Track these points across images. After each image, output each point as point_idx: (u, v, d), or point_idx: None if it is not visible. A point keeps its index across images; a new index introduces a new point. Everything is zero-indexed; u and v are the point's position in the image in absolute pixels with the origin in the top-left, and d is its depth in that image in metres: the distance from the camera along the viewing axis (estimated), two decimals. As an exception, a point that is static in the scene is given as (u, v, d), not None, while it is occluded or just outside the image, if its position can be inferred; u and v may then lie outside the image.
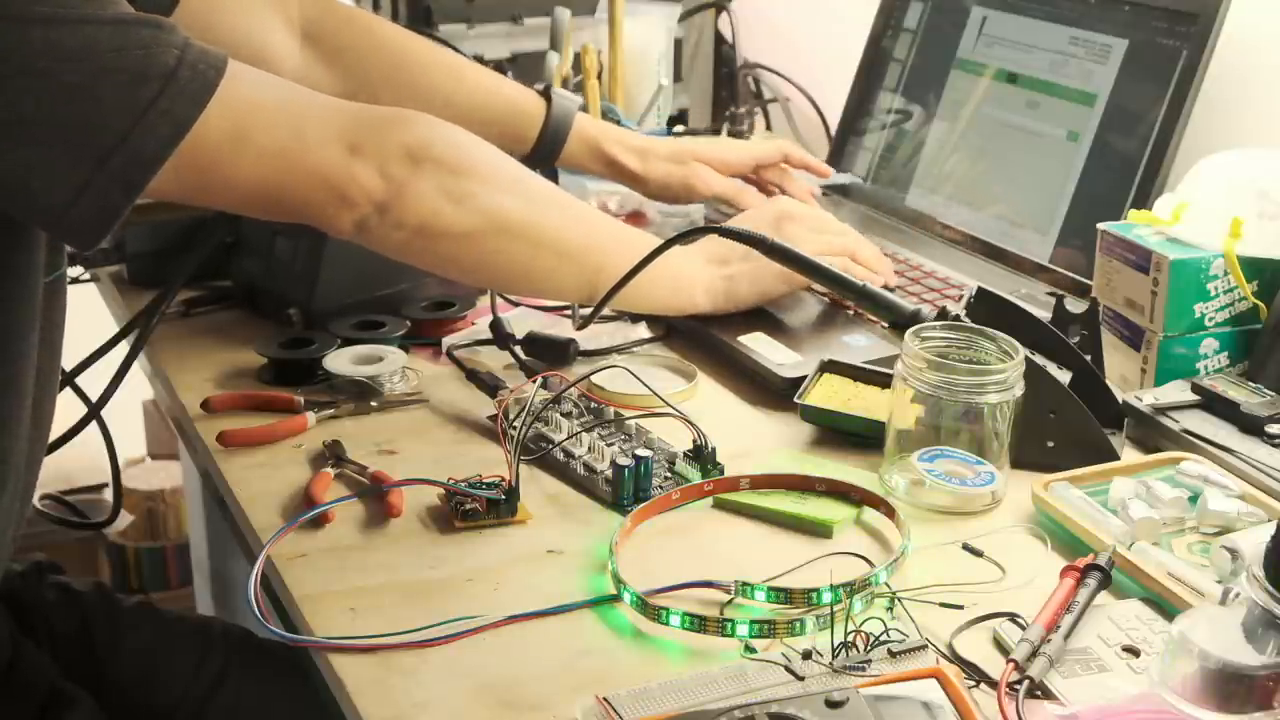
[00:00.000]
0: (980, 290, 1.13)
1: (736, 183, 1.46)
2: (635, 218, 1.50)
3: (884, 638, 0.82)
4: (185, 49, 0.90)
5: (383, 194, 1.00)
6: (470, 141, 1.07)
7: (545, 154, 1.38)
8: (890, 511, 0.97)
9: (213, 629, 1.22)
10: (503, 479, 0.99)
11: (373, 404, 1.14)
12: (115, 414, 1.18)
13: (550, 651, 0.84)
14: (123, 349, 1.17)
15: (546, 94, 1.38)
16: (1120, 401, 1.09)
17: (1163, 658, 0.77)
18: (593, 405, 1.12)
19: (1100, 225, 1.19)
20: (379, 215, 1.01)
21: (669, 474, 1.03)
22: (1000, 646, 0.84)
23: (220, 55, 0.93)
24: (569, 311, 1.27)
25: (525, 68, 1.80)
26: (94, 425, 1.16)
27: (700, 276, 1.20)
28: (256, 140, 0.95)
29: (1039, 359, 1.05)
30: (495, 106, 1.35)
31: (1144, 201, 1.27)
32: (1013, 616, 0.86)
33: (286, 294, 1.27)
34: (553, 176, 1.52)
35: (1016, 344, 1.01)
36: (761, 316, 1.26)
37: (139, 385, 1.77)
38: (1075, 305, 1.12)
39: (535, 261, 1.09)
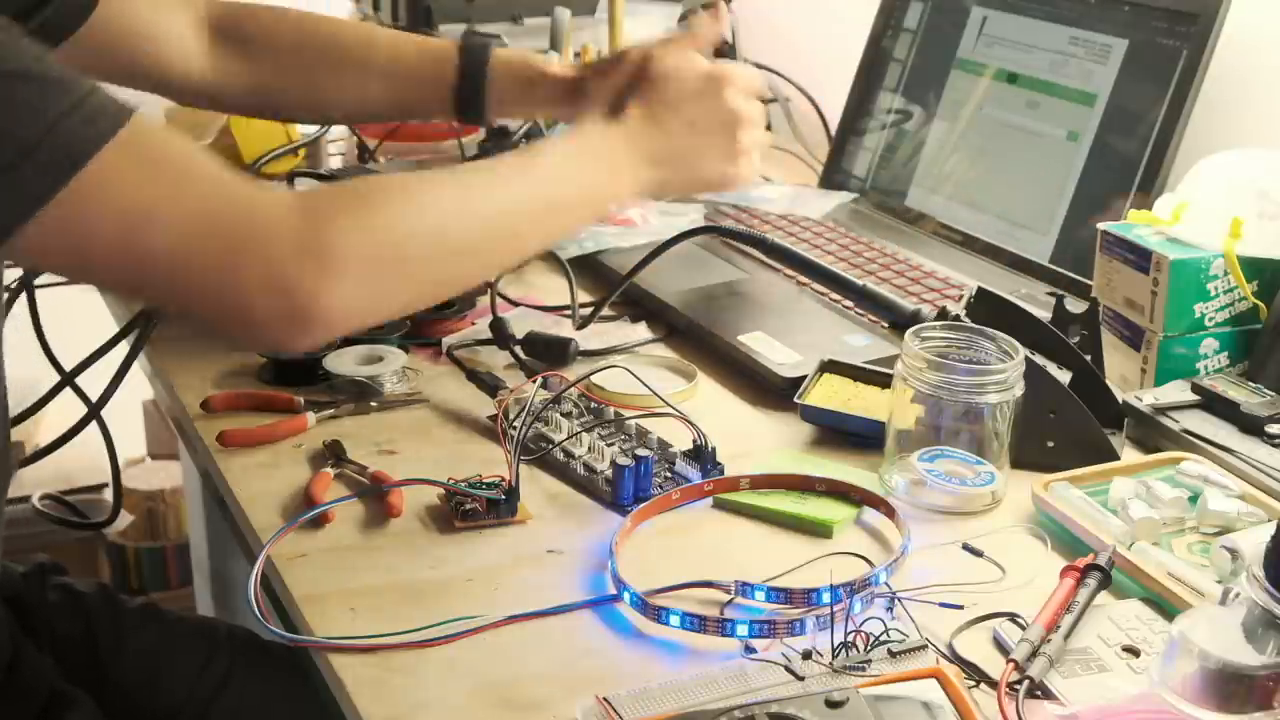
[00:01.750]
0: (980, 290, 1.13)
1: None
2: (625, 221, 1.50)
3: (884, 638, 0.82)
4: (62, 118, 0.79)
5: (290, 312, 0.83)
6: (372, 187, 0.92)
7: (470, 97, 1.22)
8: (890, 511, 0.97)
9: (217, 630, 1.22)
10: (503, 479, 0.99)
11: (373, 404, 1.14)
12: (115, 414, 1.18)
13: (550, 651, 0.84)
14: (123, 349, 1.17)
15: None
16: (1120, 401, 1.09)
17: (1163, 658, 0.77)
18: (593, 405, 1.12)
19: (1100, 225, 1.19)
20: (300, 328, 0.84)
21: (669, 474, 1.03)
22: (1000, 646, 0.84)
23: (83, 152, 0.79)
24: (569, 311, 1.28)
25: (525, 68, 1.80)
26: (94, 425, 1.16)
27: (632, 176, 1.05)
28: (116, 241, 0.81)
29: (1039, 359, 1.05)
30: (409, 60, 1.25)
31: (1144, 201, 1.27)
32: (1013, 616, 0.86)
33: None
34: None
35: (1016, 344, 1.01)
36: (761, 316, 1.26)
37: (139, 385, 1.77)
38: (1075, 305, 1.12)
39: (499, 253, 0.98)
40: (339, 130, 1.61)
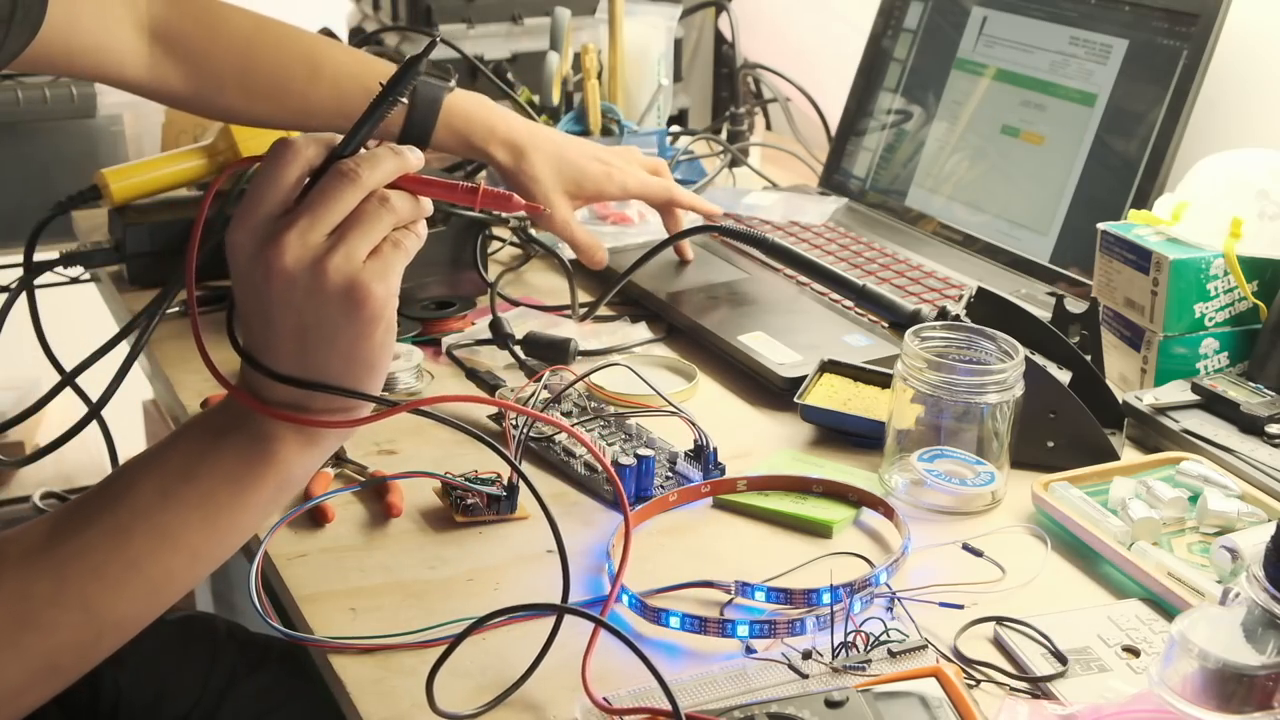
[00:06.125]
0: (980, 290, 1.13)
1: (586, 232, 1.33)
2: (623, 219, 1.50)
3: (884, 638, 0.82)
4: None
5: None
6: None
7: (414, 140, 1.24)
8: (890, 512, 0.97)
9: (217, 631, 1.21)
10: (507, 476, 0.99)
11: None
12: (115, 414, 1.17)
13: (550, 651, 0.84)
14: (123, 349, 1.17)
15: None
16: (1120, 401, 1.09)
17: (1163, 658, 0.77)
18: (593, 404, 1.12)
19: (1100, 225, 1.19)
20: None
21: (670, 473, 1.03)
22: (1000, 647, 0.84)
23: None
24: (569, 311, 1.28)
25: (525, 68, 1.80)
26: (94, 425, 1.16)
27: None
28: None
29: (1039, 359, 1.05)
30: (356, 96, 1.18)
31: (1144, 201, 1.27)
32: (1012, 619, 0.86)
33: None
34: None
35: (1016, 344, 1.01)
36: (761, 316, 1.26)
37: (139, 385, 1.77)
38: (1075, 305, 1.12)
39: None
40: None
